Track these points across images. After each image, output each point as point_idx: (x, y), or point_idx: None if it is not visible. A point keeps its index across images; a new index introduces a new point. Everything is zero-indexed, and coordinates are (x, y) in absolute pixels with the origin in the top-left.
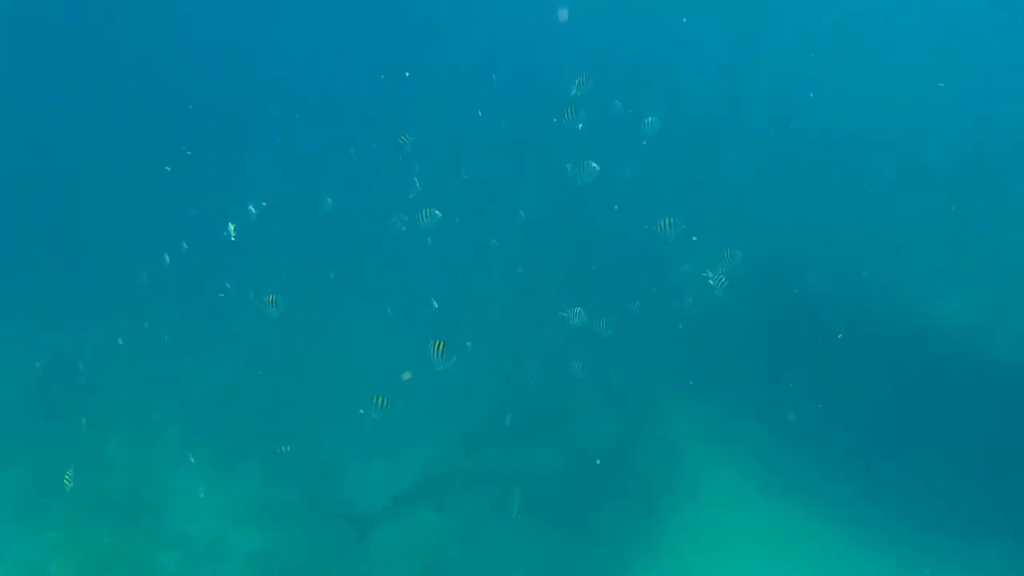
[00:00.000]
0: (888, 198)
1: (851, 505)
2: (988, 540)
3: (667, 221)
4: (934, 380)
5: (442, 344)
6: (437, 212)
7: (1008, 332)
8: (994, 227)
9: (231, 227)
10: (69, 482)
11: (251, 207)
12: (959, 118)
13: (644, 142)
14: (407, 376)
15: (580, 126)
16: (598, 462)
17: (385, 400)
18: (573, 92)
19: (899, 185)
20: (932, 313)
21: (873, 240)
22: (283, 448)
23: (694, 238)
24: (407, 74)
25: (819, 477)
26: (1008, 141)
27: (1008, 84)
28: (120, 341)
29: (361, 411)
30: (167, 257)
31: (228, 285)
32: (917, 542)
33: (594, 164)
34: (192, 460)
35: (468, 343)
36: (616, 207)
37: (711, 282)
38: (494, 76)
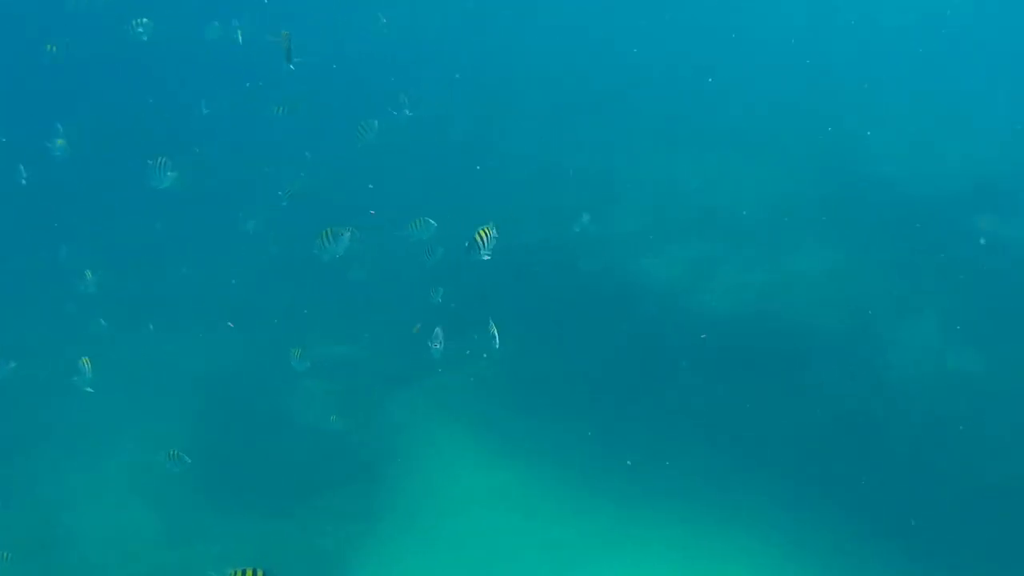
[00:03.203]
0: (594, 157)
1: (583, 462)
2: (723, 478)
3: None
4: (647, 334)
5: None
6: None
7: (709, 285)
8: (697, 183)
9: None
10: None
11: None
12: (667, 73)
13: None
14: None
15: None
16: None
17: None
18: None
19: (604, 144)
20: (640, 269)
21: (583, 197)
22: None
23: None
24: None
25: (548, 438)
26: (714, 100)
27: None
28: None
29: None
30: None
31: None
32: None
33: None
34: None
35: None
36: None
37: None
38: None
